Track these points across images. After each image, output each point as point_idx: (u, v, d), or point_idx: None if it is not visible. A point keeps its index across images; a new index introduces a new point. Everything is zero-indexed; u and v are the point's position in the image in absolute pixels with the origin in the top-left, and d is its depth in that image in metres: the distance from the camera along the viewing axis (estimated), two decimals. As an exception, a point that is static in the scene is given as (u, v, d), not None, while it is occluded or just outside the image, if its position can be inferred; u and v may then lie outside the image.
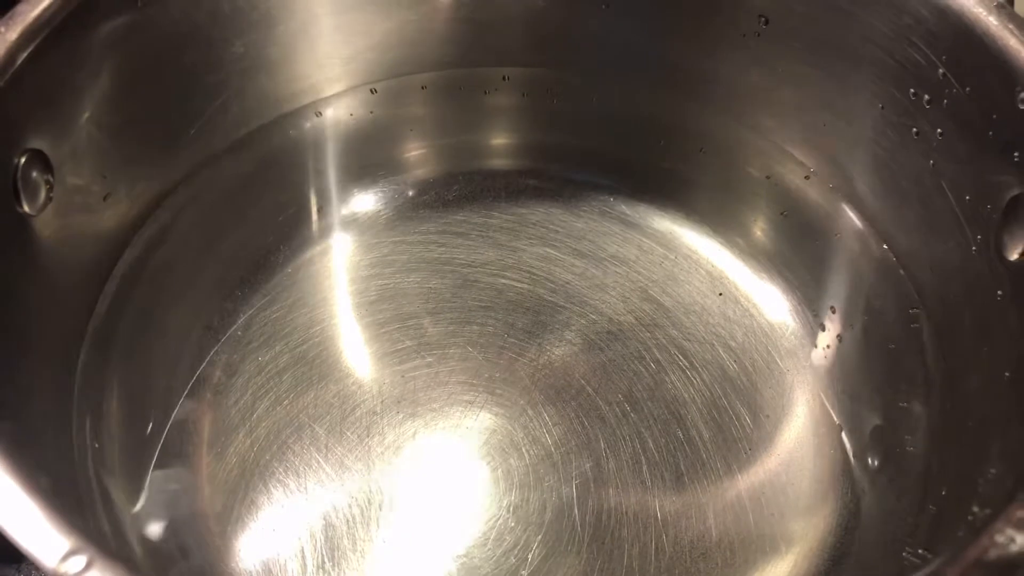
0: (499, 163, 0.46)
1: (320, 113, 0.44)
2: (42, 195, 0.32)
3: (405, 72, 0.44)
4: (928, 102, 0.35)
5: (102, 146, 0.35)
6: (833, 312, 0.41)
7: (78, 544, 0.21)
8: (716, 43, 0.41)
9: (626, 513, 0.36)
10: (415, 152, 0.46)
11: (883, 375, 0.39)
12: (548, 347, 0.40)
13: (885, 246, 0.40)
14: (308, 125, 0.44)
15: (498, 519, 0.36)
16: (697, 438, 0.38)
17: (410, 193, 0.44)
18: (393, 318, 0.40)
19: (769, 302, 0.42)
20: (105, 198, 0.36)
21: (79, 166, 0.34)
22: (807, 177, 0.43)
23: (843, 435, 0.38)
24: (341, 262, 0.42)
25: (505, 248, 0.43)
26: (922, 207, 0.37)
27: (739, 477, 0.37)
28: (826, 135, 0.41)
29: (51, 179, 0.32)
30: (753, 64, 0.41)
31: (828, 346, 0.40)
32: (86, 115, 0.34)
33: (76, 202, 0.34)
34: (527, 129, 0.47)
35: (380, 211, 0.43)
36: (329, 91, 0.44)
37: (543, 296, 0.41)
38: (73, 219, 0.34)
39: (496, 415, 0.38)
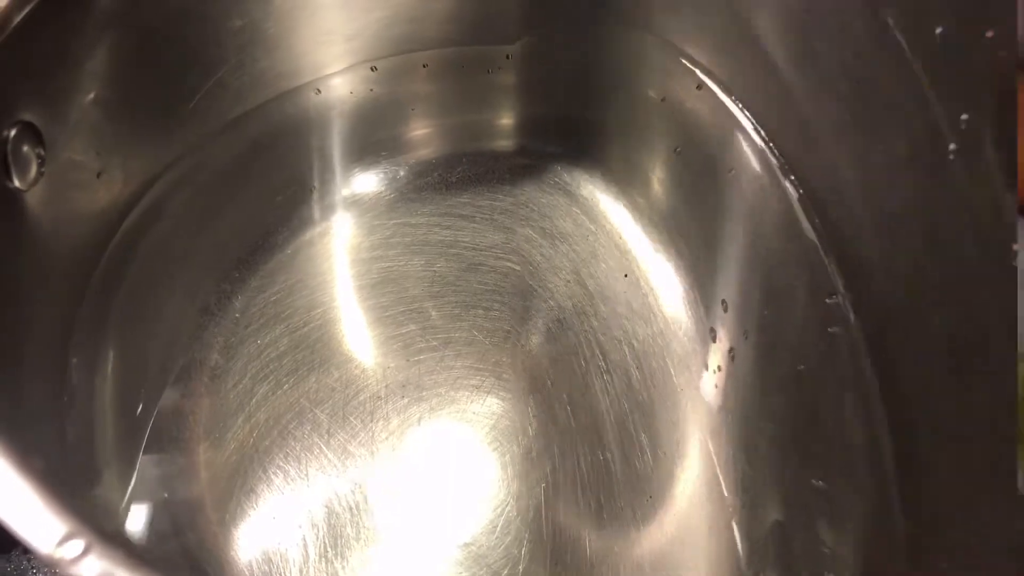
0: (503, 144, 0.45)
1: (320, 91, 0.43)
2: (33, 170, 0.31)
3: (406, 50, 0.43)
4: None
5: (96, 121, 0.34)
6: (725, 310, 0.37)
7: (75, 528, 0.20)
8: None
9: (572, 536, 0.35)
10: (417, 132, 0.44)
11: (791, 424, 0.32)
12: (528, 335, 0.39)
13: (792, 178, 0.34)
14: (308, 103, 0.42)
15: (506, 506, 0.35)
16: (612, 463, 0.36)
17: (412, 174, 0.43)
18: (397, 301, 0.39)
19: (665, 286, 0.40)
20: (99, 175, 0.35)
21: (72, 141, 0.33)
22: (699, 87, 0.39)
23: (734, 524, 0.34)
24: (342, 244, 0.41)
25: (511, 231, 0.42)
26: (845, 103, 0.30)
27: (643, 531, 0.35)
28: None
29: (43, 153, 0.31)
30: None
31: (719, 368, 0.37)
32: (80, 88, 0.33)
33: (69, 178, 0.33)
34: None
35: (382, 192, 0.42)
36: (329, 69, 0.42)
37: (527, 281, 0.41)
38: (66, 196, 0.33)
39: (504, 400, 0.37)
